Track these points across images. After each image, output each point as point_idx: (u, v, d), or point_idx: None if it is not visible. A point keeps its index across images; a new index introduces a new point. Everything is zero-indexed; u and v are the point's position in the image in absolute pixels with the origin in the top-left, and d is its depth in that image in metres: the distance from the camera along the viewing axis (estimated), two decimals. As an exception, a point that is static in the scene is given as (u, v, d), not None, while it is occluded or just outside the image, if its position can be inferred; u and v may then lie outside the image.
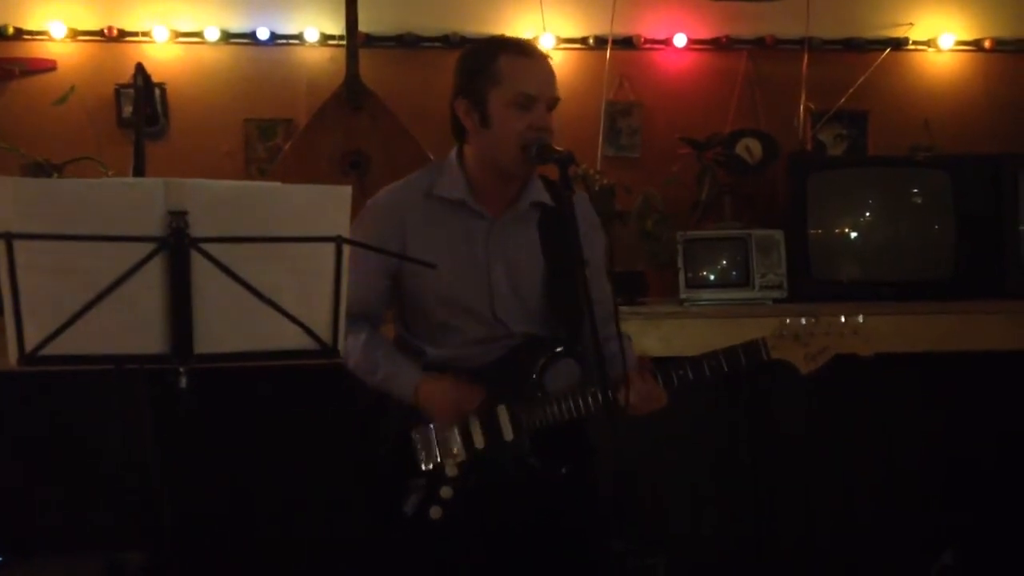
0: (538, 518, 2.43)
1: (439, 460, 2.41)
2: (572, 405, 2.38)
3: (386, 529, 2.48)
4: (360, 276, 2.32)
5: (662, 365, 2.40)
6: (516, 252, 2.43)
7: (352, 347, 2.37)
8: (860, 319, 2.39)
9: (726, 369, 2.37)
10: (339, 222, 1.81)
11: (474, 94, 2.35)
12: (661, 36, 4.03)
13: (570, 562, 2.44)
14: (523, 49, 2.40)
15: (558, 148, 2.26)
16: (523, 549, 2.44)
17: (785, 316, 2.43)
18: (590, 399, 2.36)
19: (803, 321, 2.39)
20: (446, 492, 2.40)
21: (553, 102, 2.34)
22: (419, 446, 2.42)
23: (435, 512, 2.39)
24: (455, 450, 2.40)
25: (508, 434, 2.39)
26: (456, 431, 2.41)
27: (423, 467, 2.41)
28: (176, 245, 1.70)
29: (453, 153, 2.46)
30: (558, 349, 2.44)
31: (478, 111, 2.35)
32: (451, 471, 2.40)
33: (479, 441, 2.40)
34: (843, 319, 2.39)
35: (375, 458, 2.51)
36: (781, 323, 2.39)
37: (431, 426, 2.42)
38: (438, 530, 2.40)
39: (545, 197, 2.44)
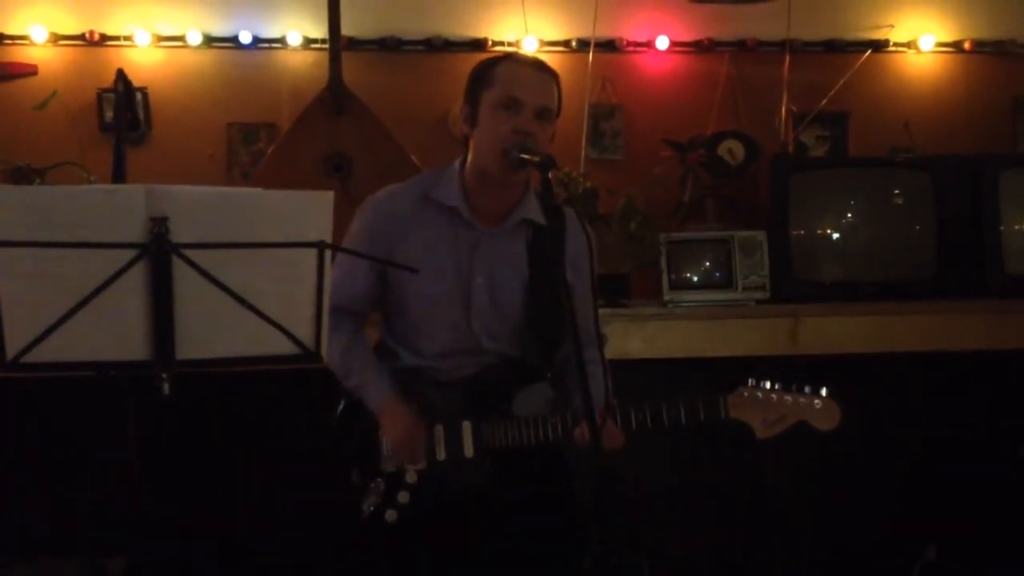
0: (496, 536, 2.41)
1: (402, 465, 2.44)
2: (539, 430, 2.37)
3: (345, 528, 2.50)
4: (348, 267, 2.36)
5: (624, 406, 2.37)
6: (500, 267, 2.43)
7: (333, 346, 2.32)
8: (823, 393, 2.33)
9: (683, 421, 2.35)
10: (321, 227, 1.80)
11: (472, 98, 2.38)
12: (643, 39, 4.04)
13: None
14: (524, 60, 2.47)
15: (538, 152, 2.25)
16: (478, 565, 2.43)
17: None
18: (558, 426, 2.35)
19: (767, 385, 2.35)
20: (403, 497, 2.43)
21: (542, 111, 2.32)
22: (385, 448, 2.44)
23: (390, 515, 2.42)
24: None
25: (468, 451, 2.41)
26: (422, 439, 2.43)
27: (384, 469, 2.44)
28: (157, 251, 1.70)
29: (457, 161, 2.46)
30: (531, 372, 2.45)
31: (472, 112, 2.37)
32: (410, 478, 2.43)
33: (440, 453, 2.42)
34: (807, 390, 2.34)
35: (345, 458, 2.52)
36: (744, 386, 2.35)
37: None
38: (392, 533, 2.42)
39: (538, 216, 2.39)
